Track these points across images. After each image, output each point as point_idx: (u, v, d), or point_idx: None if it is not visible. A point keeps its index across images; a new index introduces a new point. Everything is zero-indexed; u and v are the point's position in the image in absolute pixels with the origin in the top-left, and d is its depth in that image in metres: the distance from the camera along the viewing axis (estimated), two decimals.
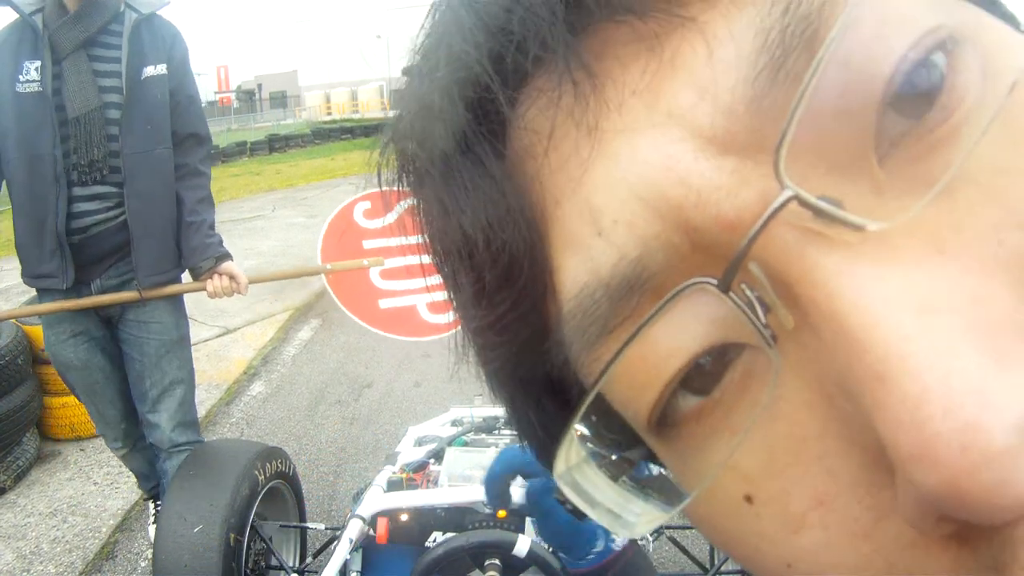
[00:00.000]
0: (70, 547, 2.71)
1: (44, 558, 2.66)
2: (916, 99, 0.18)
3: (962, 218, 0.17)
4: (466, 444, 1.90)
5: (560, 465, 0.24)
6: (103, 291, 2.07)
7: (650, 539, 1.90)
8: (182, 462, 2.10)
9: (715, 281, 0.20)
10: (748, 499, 0.21)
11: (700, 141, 0.19)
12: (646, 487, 0.25)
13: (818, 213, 0.18)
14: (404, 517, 1.57)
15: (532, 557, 1.39)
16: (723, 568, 2.03)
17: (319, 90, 47.75)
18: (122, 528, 2.85)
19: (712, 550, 2.30)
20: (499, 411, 2.17)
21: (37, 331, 3.30)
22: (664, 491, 0.25)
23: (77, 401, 3.41)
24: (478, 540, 1.42)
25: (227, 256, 2.17)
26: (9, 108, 1.92)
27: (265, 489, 2.04)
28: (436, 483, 1.71)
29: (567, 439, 0.24)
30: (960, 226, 0.17)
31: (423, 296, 2.41)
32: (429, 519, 1.57)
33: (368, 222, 2.38)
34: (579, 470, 0.25)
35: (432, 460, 1.85)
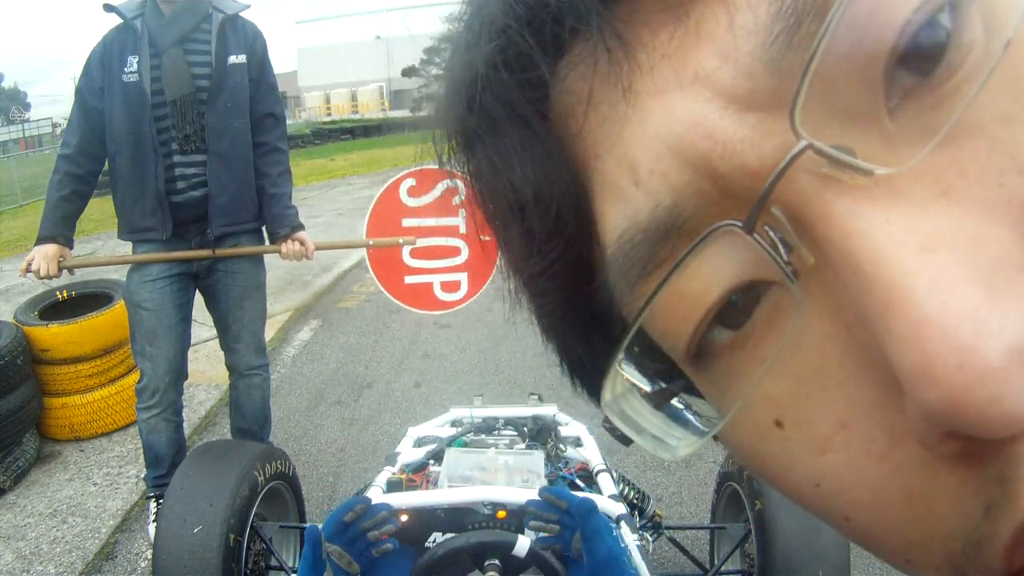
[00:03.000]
0: (70, 547, 2.71)
1: (44, 558, 2.65)
2: (923, 57, 0.19)
3: (966, 164, 0.19)
4: (466, 445, 1.90)
5: (607, 394, 0.27)
6: (201, 246, 2.52)
7: (650, 539, 1.90)
8: (182, 462, 2.12)
9: (740, 223, 0.22)
10: (778, 423, 0.23)
11: (724, 100, 0.21)
12: (686, 415, 0.28)
13: (832, 160, 0.19)
14: (404, 518, 1.57)
15: (532, 557, 1.40)
16: (723, 568, 2.03)
17: (319, 91, 47.76)
18: (122, 529, 2.84)
19: (712, 551, 2.31)
20: (499, 412, 2.17)
21: (36, 332, 3.31)
22: (701, 420, 0.27)
23: (77, 401, 3.45)
24: (478, 540, 1.42)
25: (301, 226, 2.61)
26: (117, 95, 2.37)
27: (265, 490, 2.04)
28: (436, 484, 1.71)
29: (612, 370, 0.26)
30: (964, 171, 0.19)
31: (439, 276, 2.70)
32: (429, 520, 1.57)
33: (411, 200, 2.61)
34: (624, 399, 0.28)
35: (432, 461, 1.85)
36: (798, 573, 1.73)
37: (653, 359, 0.28)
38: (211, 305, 2.73)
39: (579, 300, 0.29)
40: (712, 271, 0.23)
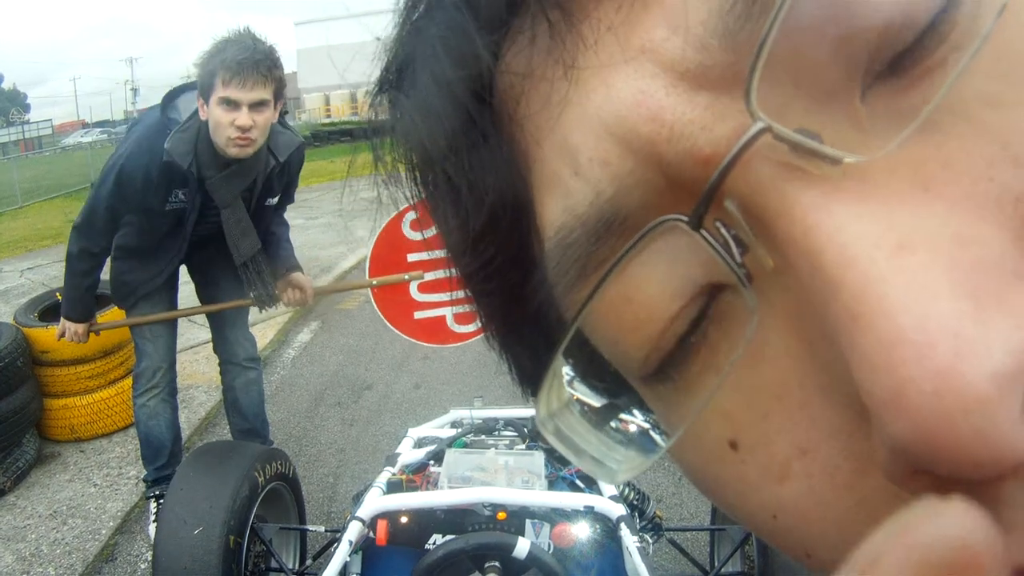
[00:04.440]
0: (70, 549, 2.71)
1: (44, 560, 2.65)
2: (901, 32, 0.17)
3: (950, 154, 0.16)
4: (466, 446, 1.90)
5: (542, 410, 0.24)
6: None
7: (650, 541, 1.90)
8: (182, 463, 2.12)
9: (685, 218, 0.19)
10: (733, 445, 0.21)
11: (672, 76, 0.19)
12: (630, 434, 0.25)
13: (794, 147, 0.17)
14: (404, 519, 1.57)
15: (532, 559, 1.39)
16: (723, 570, 2.03)
17: (318, 92, 47.76)
18: (122, 530, 2.84)
19: (712, 552, 2.30)
20: (499, 412, 2.17)
21: (36, 333, 3.31)
22: (648, 439, 0.25)
23: (77, 403, 3.45)
24: (478, 542, 1.42)
25: (298, 267, 2.67)
26: (155, 216, 2.33)
27: (265, 491, 2.04)
28: (436, 485, 1.70)
29: (547, 382, 0.24)
30: (948, 162, 0.16)
31: (453, 308, 2.53)
32: (429, 521, 1.57)
33: (414, 233, 2.52)
34: (562, 417, 0.25)
35: (432, 462, 1.85)
36: (798, 575, 1.73)
37: (597, 374, 0.25)
38: (203, 280, 2.75)
39: (519, 303, 0.26)
40: (661, 273, 0.21)
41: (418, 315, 2.60)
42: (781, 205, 0.17)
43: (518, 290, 0.26)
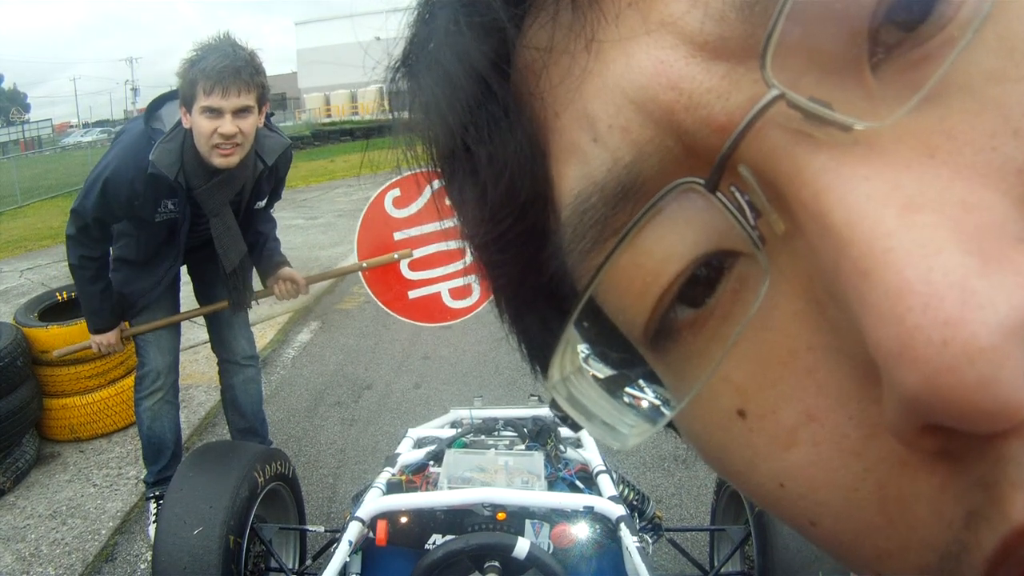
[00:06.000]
0: (69, 549, 2.71)
1: (43, 560, 2.65)
2: (911, 8, 0.18)
3: (955, 125, 0.17)
4: (465, 446, 1.90)
5: (555, 373, 0.25)
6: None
7: (650, 541, 1.90)
8: (182, 464, 2.12)
9: (703, 180, 0.20)
10: (741, 413, 0.21)
11: (691, 47, 0.20)
12: (640, 403, 0.26)
13: (807, 114, 0.18)
14: (403, 519, 1.57)
15: (532, 559, 1.39)
16: (723, 570, 2.03)
17: (318, 92, 47.76)
18: (121, 530, 2.84)
19: (712, 552, 2.30)
20: (499, 412, 2.17)
21: (36, 333, 3.31)
22: (655, 410, 0.25)
23: (77, 403, 3.44)
24: (477, 543, 1.42)
25: (286, 262, 2.68)
26: (145, 226, 2.35)
27: (265, 491, 2.04)
28: (436, 485, 1.70)
29: (562, 346, 0.24)
30: (952, 132, 0.17)
31: (446, 283, 2.59)
32: (428, 521, 1.57)
33: (398, 211, 2.52)
34: (574, 381, 0.25)
35: (431, 462, 1.85)
36: (798, 575, 1.73)
37: (609, 343, 0.26)
38: (200, 281, 2.77)
39: (533, 273, 0.27)
40: (673, 239, 0.21)
41: (412, 294, 2.60)
42: (793, 170, 0.18)
43: (533, 261, 0.26)
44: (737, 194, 0.19)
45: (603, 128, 0.21)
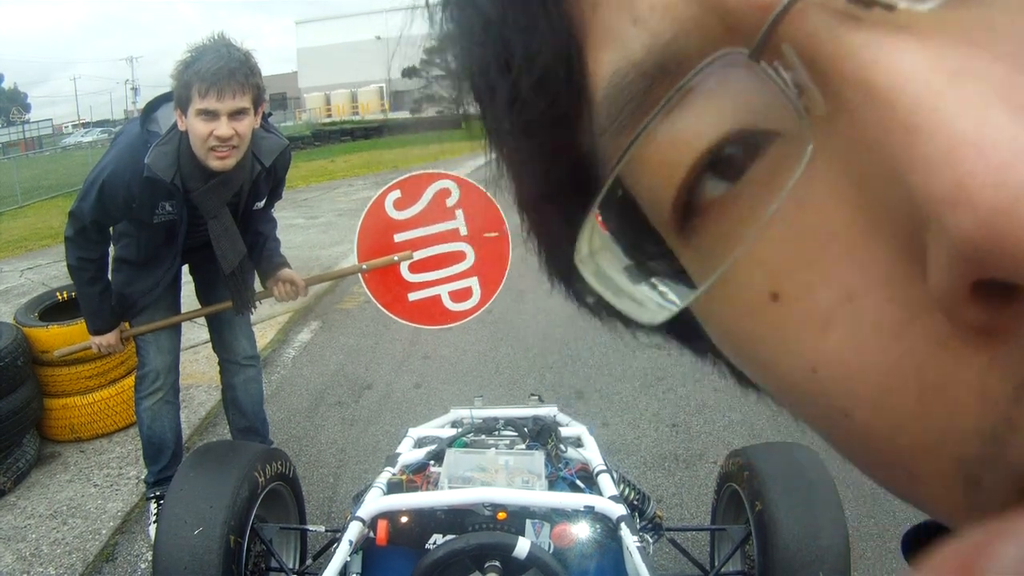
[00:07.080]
0: (70, 549, 2.71)
1: (44, 560, 2.65)
2: None
3: (996, 19, 0.17)
4: (466, 446, 1.90)
5: (584, 247, 0.25)
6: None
7: (651, 541, 1.90)
8: (182, 464, 2.12)
9: (746, 51, 0.19)
10: (774, 296, 0.21)
11: None
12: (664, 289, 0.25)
13: None
14: (404, 519, 1.57)
15: (532, 559, 1.40)
16: (724, 570, 2.03)
17: (319, 92, 47.78)
18: (122, 530, 2.84)
19: (712, 552, 2.30)
20: (499, 412, 2.17)
21: (37, 333, 3.31)
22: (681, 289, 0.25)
23: (77, 402, 3.45)
24: (478, 542, 1.42)
25: (285, 263, 2.68)
26: (144, 227, 2.36)
27: (265, 491, 2.04)
28: (436, 485, 1.70)
29: (591, 219, 0.24)
30: (993, 27, 0.17)
31: (446, 286, 2.56)
32: (429, 521, 1.57)
33: (399, 213, 2.49)
34: (602, 255, 0.25)
35: (432, 462, 1.85)
36: (798, 574, 1.73)
37: (633, 232, 0.26)
38: (201, 281, 2.77)
39: (559, 165, 0.27)
40: (710, 112, 0.21)
41: (412, 296, 2.58)
42: (837, 47, 0.18)
43: (560, 148, 0.26)
44: (780, 71, 0.19)
45: (644, 9, 0.21)
